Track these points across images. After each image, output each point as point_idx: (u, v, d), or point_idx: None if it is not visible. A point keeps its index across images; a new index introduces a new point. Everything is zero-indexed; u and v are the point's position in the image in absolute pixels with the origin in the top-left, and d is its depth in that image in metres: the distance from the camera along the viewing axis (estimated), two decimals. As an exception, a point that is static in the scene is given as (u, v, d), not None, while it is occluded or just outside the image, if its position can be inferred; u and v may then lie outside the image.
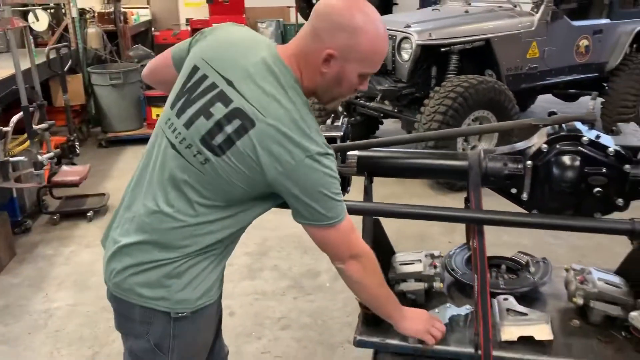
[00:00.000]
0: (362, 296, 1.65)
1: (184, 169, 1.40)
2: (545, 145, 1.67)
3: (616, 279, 1.87)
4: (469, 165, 1.77)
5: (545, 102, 7.88)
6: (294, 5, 9.82)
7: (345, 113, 5.92)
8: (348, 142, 1.87)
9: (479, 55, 5.15)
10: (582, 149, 1.64)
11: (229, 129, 1.34)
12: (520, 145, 1.77)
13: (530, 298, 1.94)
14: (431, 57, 5.02)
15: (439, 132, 1.63)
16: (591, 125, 1.72)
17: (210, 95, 1.38)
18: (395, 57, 5.06)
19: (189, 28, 11.68)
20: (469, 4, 5.76)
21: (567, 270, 1.95)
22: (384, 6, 9.32)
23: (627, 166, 1.64)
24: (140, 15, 10.97)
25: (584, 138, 1.65)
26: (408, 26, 4.99)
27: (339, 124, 1.94)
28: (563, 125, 1.70)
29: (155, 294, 1.44)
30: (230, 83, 1.37)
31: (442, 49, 4.93)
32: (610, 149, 1.63)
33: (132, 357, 1.54)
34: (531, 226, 1.72)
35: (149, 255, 1.44)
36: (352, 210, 1.77)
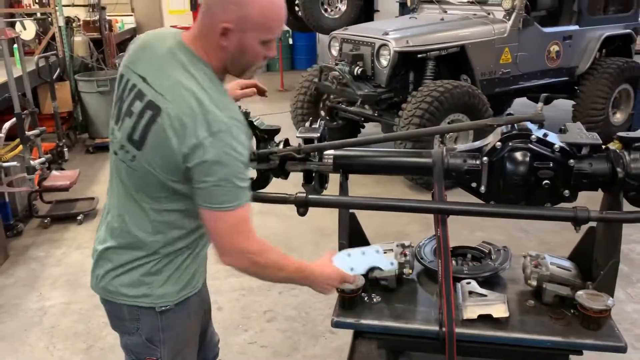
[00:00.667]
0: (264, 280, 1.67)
1: (126, 171, 1.51)
2: (499, 143, 1.87)
3: (567, 263, 2.08)
4: (433, 162, 1.96)
5: (521, 105, 8.17)
6: (277, 12, 9.97)
7: (324, 116, 6.15)
8: (325, 142, 2.05)
9: (455, 61, 5.38)
10: (531, 145, 1.85)
11: (143, 121, 1.43)
12: (477, 144, 1.97)
13: (491, 282, 2.13)
14: (409, 63, 5.24)
15: (406, 132, 1.81)
16: (540, 125, 1.92)
17: (131, 96, 1.47)
18: (374, 63, 5.27)
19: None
20: (445, 12, 6.00)
21: (524, 256, 2.15)
22: (366, 13, 9.58)
23: (571, 161, 1.84)
24: (125, 22, 11.08)
25: (533, 136, 1.85)
26: (386, 33, 5.21)
27: (317, 126, 2.12)
28: (516, 125, 1.91)
29: (138, 292, 1.55)
30: (144, 79, 1.46)
31: (419, 55, 5.15)
32: (556, 146, 1.84)
33: (129, 353, 1.66)
34: (487, 215, 1.92)
35: (125, 257, 1.55)
36: (329, 204, 1.97)
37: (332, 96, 5.98)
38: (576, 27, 5.97)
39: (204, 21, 1.45)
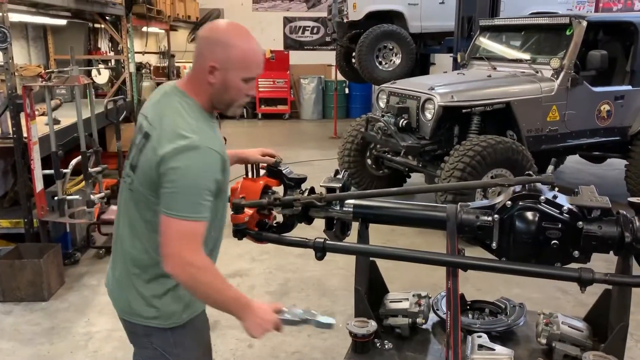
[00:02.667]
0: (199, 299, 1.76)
1: (129, 198, 1.76)
2: (509, 202, 1.96)
3: (580, 324, 2.10)
4: (447, 217, 2.06)
5: (574, 162, 8.06)
6: (334, 64, 10.38)
7: (370, 165, 6.32)
8: (346, 192, 2.20)
9: (501, 117, 5.45)
10: (540, 206, 1.92)
11: (138, 149, 1.72)
12: (490, 201, 2.06)
13: (504, 337, 2.18)
14: (453, 117, 5.35)
15: (421, 187, 1.92)
16: (552, 187, 2.00)
17: (138, 133, 1.77)
18: (419, 116, 5.42)
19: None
20: (494, 69, 6.11)
21: (539, 314, 2.18)
22: (422, 66, 9.82)
23: (580, 223, 1.90)
24: (192, 69, 11.75)
25: (542, 197, 1.93)
26: (432, 88, 5.36)
27: (340, 176, 2.28)
28: (526, 186, 1.99)
29: (149, 314, 1.76)
30: (146, 117, 1.75)
31: (464, 110, 5.26)
32: (565, 207, 1.91)
33: None
34: (495, 270, 1.98)
35: (132, 279, 1.76)
36: (345, 250, 2.10)
37: (378, 146, 6.14)
38: (629, 87, 5.92)
39: (195, 64, 1.72)
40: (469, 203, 2.11)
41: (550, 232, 1.92)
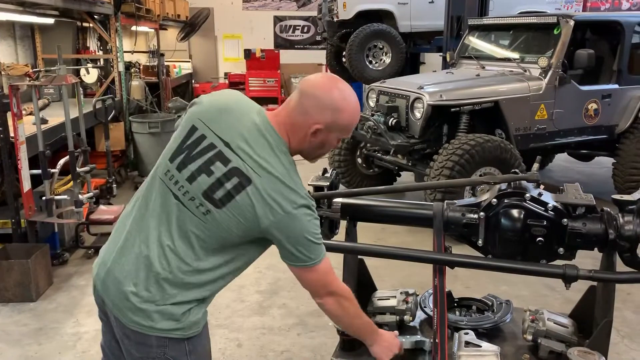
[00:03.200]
0: (340, 325, 1.96)
1: (189, 218, 1.62)
2: (495, 200, 1.98)
3: (565, 320, 2.12)
4: (433, 215, 2.08)
5: (563, 161, 8.12)
6: (325, 63, 10.39)
7: (361, 164, 6.34)
8: (334, 191, 2.21)
9: (490, 116, 5.48)
10: (525, 204, 1.94)
11: (228, 185, 1.58)
12: (476, 199, 2.08)
13: (491, 334, 2.19)
14: (442, 116, 5.37)
15: (408, 185, 1.92)
16: (537, 184, 2.02)
17: (210, 155, 1.62)
18: (409, 115, 5.43)
19: (227, 81, 12.46)
20: (483, 68, 6.14)
21: (525, 311, 2.20)
22: (412, 66, 9.84)
23: (565, 220, 1.92)
24: (182, 68, 11.75)
25: (527, 195, 1.95)
26: (421, 87, 5.38)
27: (328, 175, 2.29)
28: (512, 184, 2.01)
29: (169, 326, 1.64)
30: (227, 144, 1.62)
31: (452, 109, 5.28)
32: (550, 205, 1.93)
33: None
34: (481, 268, 2.00)
35: (161, 294, 1.62)
36: (333, 249, 2.10)
37: (368, 145, 6.16)
38: (616, 86, 5.97)
39: (296, 115, 1.67)
40: (455, 201, 2.13)
41: (535, 229, 1.94)
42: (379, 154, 6.09)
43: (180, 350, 1.68)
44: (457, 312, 2.38)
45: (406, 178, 6.78)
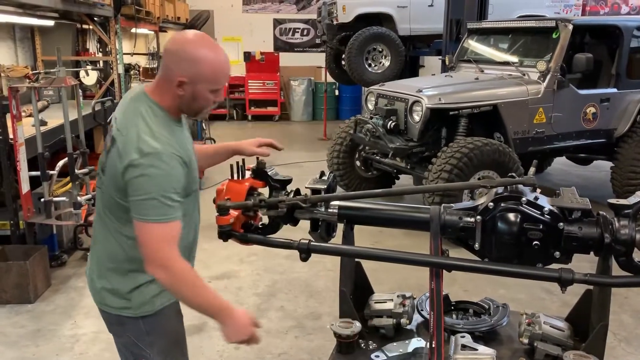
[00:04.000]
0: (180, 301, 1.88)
1: (101, 196, 1.84)
2: (491, 204, 1.98)
3: (561, 324, 2.13)
4: (430, 218, 2.08)
5: (561, 164, 8.13)
6: (324, 65, 10.41)
7: (359, 167, 6.35)
8: (331, 194, 2.21)
9: (488, 119, 5.49)
10: (521, 207, 1.95)
11: (106, 150, 1.79)
12: (473, 203, 2.08)
13: (488, 338, 2.20)
14: (441, 119, 5.39)
15: (405, 188, 1.92)
16: (533, 188, 2.02)
17: (109, 138, 1.81)
18: (407, 118, 5.45)
19: (226, 83, 12.45)
20: (482, 71, 6.15)
21: (521, 315, 2.21)
22: (411, 69, 9.87)
23: (561, 224, 1.92)
24: (181, 70, 11.72)
25: (523, 198, 1.95)
26: (420, 90, 5.40)
27: (325, 178, 2.29)
28: (508, 188, 2.02)
29: (120, 304, 1.83)
30: (115, 121, 1.81)
31: (451, 113, 5.30)
32: (546, 209, 1.93)
33: (122, 352, 1.94)
34: (478, 271, 2.00)
35: (105, 273, 1.83)
36: (329, 252, 2.11)
37: (367, 147, 6.16)
38: (614, 90, 5.98)
39: (162, 74, 1.77)
40: (452, 204, 2.13)
41: (531, 233, 1.94)
42: (377, 157, 6.11)
43: (137, 329, 1.84)
44: (454, 316, 2.38)
45: (405, 181, 6.79)
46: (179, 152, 1.73)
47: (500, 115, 5.39)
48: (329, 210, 2.19)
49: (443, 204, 2.12)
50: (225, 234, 2.20)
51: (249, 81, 12.17)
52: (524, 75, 5.75)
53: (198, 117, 1.90)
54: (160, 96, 1.78)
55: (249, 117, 12.44)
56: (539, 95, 5.55)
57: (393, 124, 5.46)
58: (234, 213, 2.17)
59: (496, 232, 1.98)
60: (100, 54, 8.22)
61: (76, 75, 6.66)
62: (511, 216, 1.96)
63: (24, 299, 3.99)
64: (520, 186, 2.02)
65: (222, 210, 2.14)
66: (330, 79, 10.72)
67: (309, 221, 2.20)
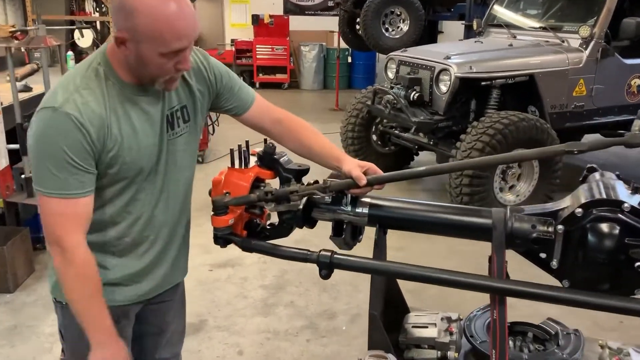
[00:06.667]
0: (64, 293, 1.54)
1: None
2: (579, 210, 1.47)
3: (659, 364, 1.64)
4: (492, 224, 1.58)
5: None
6: (337, 30, 9.76)
7: (375, 141, 5.83)
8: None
9: (522, 91, 4.94)
10: (622, 216, 1.43)
11: None
12: (551, 206, 1.57)
13: (557, 376, 1.72)
14: (471, 90, 4.84)
15: (459, 162, 1.43)
16: (634, 189, 1.51)
17: None
18: (433, 89, 4.90)
19: (233, 48, 11.85)
20: (514, 37, 5.55)
21: (602, 347, 1.72)
22: (429, 35, 9.21)
23: (676, 240, 1.42)
24: (186, 34, 11.13)
25: (625, 204, 1.44)
26: (448, 57, 4.83)
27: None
28: (601, 187, 1.51)
29: (50, 282, 1.63)
30: None
31: (483, 83, 4.74)
32: (657, 219, 1.42)
33: None
34: (560, 302, 1.51)
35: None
36: (358, 268, 1.61)
37: (385, 120, 5.63)
38: (663, 60, 5.37)
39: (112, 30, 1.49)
40: (522, 207, 1.62)
41: (634, 251, 1.43)
42: (396, 131, 5.57)
43: (59, 318, 1.66)
44: (511, 342, 1.90)
45: (425, 158, 6.24)
46: (76, 111, 1.38)
47: (537, 86, 4.82)
48: (357, 209, 1.69)
49: (509, 207, 1.61)
50: (222, 240, 1.72)
51: (257, 46, 11.54)
52: (563, 42, 5.15)
53: (157, 86, 1.49)
54: (116, 59, 1.45)
55: (257, 85, 11.85)
56: (580, 65, 4.96)
57: (416, 94, 4.90)
58: (235, 211, 1.69)
59: (584, 248, 1.48)
60: (97, 14, 7.64)
61: (70, 36, 6.11)
62: (608, 227, 1.45)
63: (2, 288, 3.54)
64: (618, 188, 1.51)
65: (219, 209, 1.66)
66: (343, 44, 10.08)
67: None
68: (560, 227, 1.50)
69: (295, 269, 3.84)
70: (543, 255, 1.57)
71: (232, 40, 12.07)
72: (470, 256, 3.23)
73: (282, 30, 11.68)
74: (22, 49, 5.09)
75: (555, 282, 1.55)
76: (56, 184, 1.39)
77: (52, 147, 1.38)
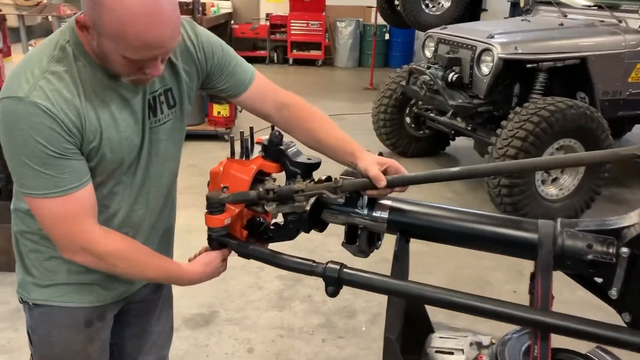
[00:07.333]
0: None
1: None
2: (651, 229, 1.18)
3: None
4: (538, 240, 1.29)
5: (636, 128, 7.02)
6: (375, 5, 9.35)
7: (409, 124, 5.53)
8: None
9: (571, 75, 4.53)
10: None
11: None
12: (613, 222, 1.28)
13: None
14: (515, 73, 4.47)
15: (500, 165, 1.18)
16: None
17: None
18: (474, 70, 4.53)
19: (267, 23, 11.56)
20: (565, 16, 5.10)
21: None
22: (472, 12, 8.71)
23: None
24: (220, 7, 10.91)
25: None
26: (491, 36, 4.45)
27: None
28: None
29: (17, 278, 1.48)
30: None
31: (528, 65, 4.36)
32: None
33: None
34: (623, 346, 1.21)
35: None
36: (373, 287, 1.35)
37: (420, 102, 5.30)
38: None
39: None
40: (575, 220, 1.33)
41: None
42: (432, 114, 5.23)
43: (27, 320, 1.52)
44: (552, 374, 1.62)
45: (461, 143, 5.88)
46: (57, 105, 1.18)
47: (589, 70, 4.40)
48: (375, 213, 1.42)
49: (560, 219, 1.32)
50: (215, 241, 1.49)
51: (292, 21, 11.20)
52: (621, 22, 4.70)
53: (124, 79, 1.26)
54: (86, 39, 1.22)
55: (290, 61, 11.56)
56: (639, 48, 4.51)
57: (455, 76, 4.55)
58: (232, 209, 1.45)
59: (655, 277, 1.19)
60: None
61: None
62: (688, 255, 1.15)
63: (10, 266, 3.41)
64: None
65: (214, 206, 1.42)
66: (380, 20, 9.67)
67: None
68: (625, 249, 1.21)
69: (315, 258, 3.61)
70: (599, 280, 1.29)
71: (267, 15, 11.77)
72: (508, 258, 2.95)
73: (318, 5, 11.30)
74: (49, 18, 4.94)
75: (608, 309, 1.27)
76: (46, 182, 1.21)
77: (26, 143, 1.17)
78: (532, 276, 1.41)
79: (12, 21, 3.52)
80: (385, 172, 1.35)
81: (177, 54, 1.38)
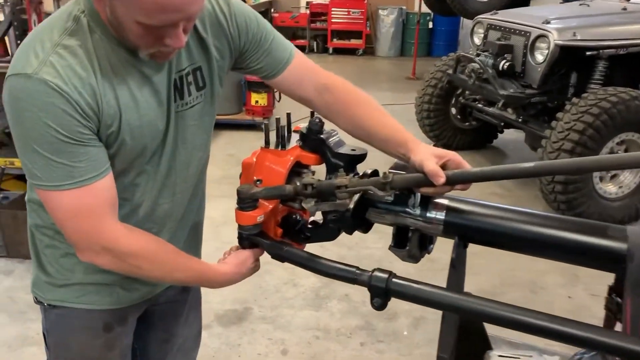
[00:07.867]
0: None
1: None
2: None
3: None
4: (628, 251, 1.08)
5: None
6: (420, -8, 9.06)
7: (455, 115, 5.27)
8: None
9: (634, 64, 4.20)
10: None
11: None
12: None
13: None
14: (572, 61, 4.16)
15: (582, 160, 0.98)
16: None
17: None
18: (527, 58, 4.25)
19: (308, 11, 11.38)
20: (628, 0, 4.74)
21: None
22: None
23: None
24: (262, -5, 10.79)
25: None
26: (547, 22, 4.16)
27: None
28: None
29: (32, 278, 1.36)
30: None
31: (588, 53, 4.04)
32: None
33: None
34: None
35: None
36: (425, 301, 1.16)
37: (467, 92, 5.03)
38: None
39: None
40: (674, 228, 1.10)
41: None
42: (480, 105, 4.96)
43: (43, 322, 1.40)
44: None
45: (509, 136, 5.58)
46: (70, 84, 1.03)
47: (655, 59, 4.06)
48: (429, 214, 1.23)
49: (655, 227, 1.10)
50: (247, 240, 1.33)
51: (333, 9, 10.99)
52: (692, 6, 4.32)
53: (140, 54, 1.10)
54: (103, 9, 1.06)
55: (330, 50, 11.35)
56: None
57: (507, 64, 4.27)
58: (265, 205, 1.29)
59: None
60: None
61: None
62: None
63: (20, 254, 3.37)
64: None
65: (246, 202, 1.26)
66: (424, 8, 9.36)
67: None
68: None
69: (354, 255, 3.44)
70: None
71: (307, 3, 11.60)
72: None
73: (360, -7, 11.07)
74: None
75: None
76: (59, 172, 1.06)
77: (35, 127, 1.03)
78: (611, 290, 1.20)
79: (48, 5, 3.45)
80: (444, 167, 1.16)
81: (207, 27, 1.21)
